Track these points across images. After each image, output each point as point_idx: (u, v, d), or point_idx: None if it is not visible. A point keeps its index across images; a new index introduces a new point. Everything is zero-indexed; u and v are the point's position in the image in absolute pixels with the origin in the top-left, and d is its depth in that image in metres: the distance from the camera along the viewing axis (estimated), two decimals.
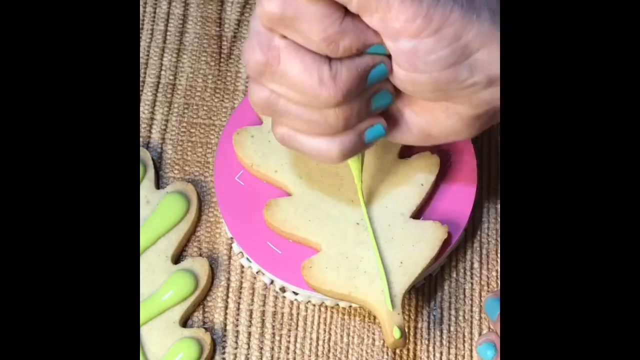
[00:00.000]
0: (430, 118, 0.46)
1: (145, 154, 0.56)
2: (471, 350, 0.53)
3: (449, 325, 0.54)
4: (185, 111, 0.58)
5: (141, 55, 0.59)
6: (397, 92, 0.46)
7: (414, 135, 0.47)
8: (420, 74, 0.43)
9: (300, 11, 0.42)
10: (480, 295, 0.54)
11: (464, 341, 0.54)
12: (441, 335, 0.54)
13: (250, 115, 0.56)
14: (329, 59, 0.43)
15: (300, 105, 0.44)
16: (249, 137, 0.54)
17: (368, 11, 0.42)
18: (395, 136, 0.47)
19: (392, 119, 0.47)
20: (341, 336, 0.54)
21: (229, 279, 0.55)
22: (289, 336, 0.54)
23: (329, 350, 0.54)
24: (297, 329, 0.54)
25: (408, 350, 0.53)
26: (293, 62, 0.43)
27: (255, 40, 0.43)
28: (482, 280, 0.55)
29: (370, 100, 0.45)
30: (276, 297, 0.54)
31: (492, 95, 0.45)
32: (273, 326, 0.54)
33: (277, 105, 0.44)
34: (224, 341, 0.54)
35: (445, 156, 0.54)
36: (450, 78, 0.44)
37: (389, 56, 0.44)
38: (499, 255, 0.55)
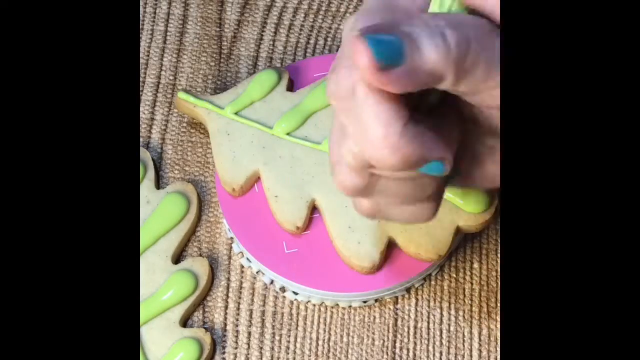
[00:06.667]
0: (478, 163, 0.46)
1: (145, 154, 0.56)
2: (471, 350, 0.54)
3: (449, 325, 0.54)
4: None
5: (141, 55, 0.59)
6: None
7: (463, 179, 0.47)
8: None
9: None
10: (480, 295, 0.55)
11: (463, 341, 0.54)
12: (441, 335, 0.54)
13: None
14: None
15: (399, 194, 0.44)
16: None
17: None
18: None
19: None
20: (341, 336, 0.54)
21: (229, 279, 0.55)
22: (289, 336, 0.54)
23: (328, 350, 0.54)
24: (297, 328, 0.54)
25: (408, 350, 0.53)
26: (391, 184, 0.43)
27: (349, 168, 0.43)
28: (482, 280, 0.55)
29: None
30: (276, 297, 0.54)
31: None
32: (273, 326, 0.54)
33: (377, 200, 0.45)
34: (224, 341, 0.54)
35: None
36: None
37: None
38: (499, 255, 0.55)
